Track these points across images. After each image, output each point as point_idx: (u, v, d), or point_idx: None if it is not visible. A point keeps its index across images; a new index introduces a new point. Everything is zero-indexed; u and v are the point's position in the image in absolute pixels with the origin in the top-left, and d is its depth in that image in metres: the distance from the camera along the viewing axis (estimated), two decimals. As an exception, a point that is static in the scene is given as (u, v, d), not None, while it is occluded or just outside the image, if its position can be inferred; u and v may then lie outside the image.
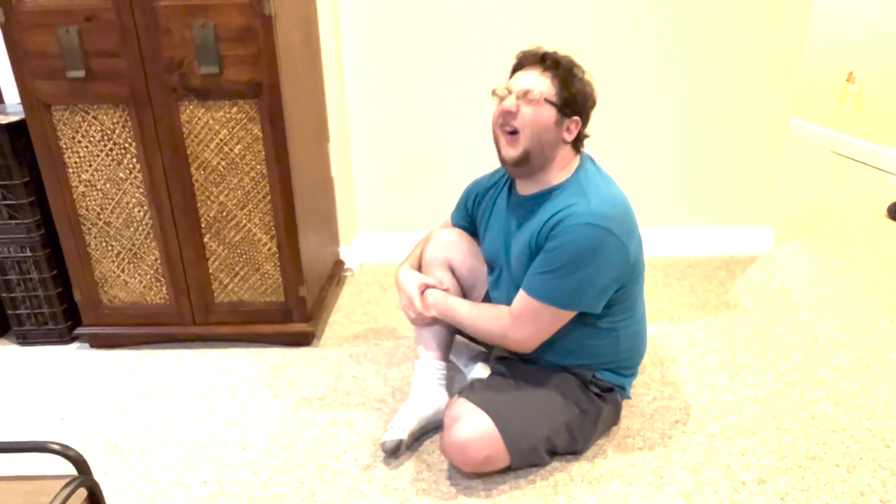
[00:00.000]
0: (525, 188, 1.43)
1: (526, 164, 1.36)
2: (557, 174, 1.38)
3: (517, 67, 1.38)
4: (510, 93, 1.34)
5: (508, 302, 1.43)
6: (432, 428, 1.55)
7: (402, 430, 1.47)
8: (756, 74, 2.29)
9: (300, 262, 1.85)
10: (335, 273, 2.29)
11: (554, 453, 1.44)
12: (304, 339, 1.95)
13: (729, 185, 2.44)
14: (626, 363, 1.48)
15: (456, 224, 1.68)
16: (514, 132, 1.34)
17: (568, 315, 1.36)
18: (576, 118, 1.35)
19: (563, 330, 1.40)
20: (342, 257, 2.44)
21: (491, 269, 1.57)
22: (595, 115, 1.43)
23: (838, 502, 1.32)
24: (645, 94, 2.31)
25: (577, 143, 1.39)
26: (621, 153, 2.39)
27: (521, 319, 1.37)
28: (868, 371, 1.76)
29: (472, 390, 1.44)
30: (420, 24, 2.23)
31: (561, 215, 1.31)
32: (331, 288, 2.18)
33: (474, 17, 2.22)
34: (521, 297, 1.37)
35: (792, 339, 1.94)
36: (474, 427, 1.33)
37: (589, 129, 1.42)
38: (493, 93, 1.38)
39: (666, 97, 2.32)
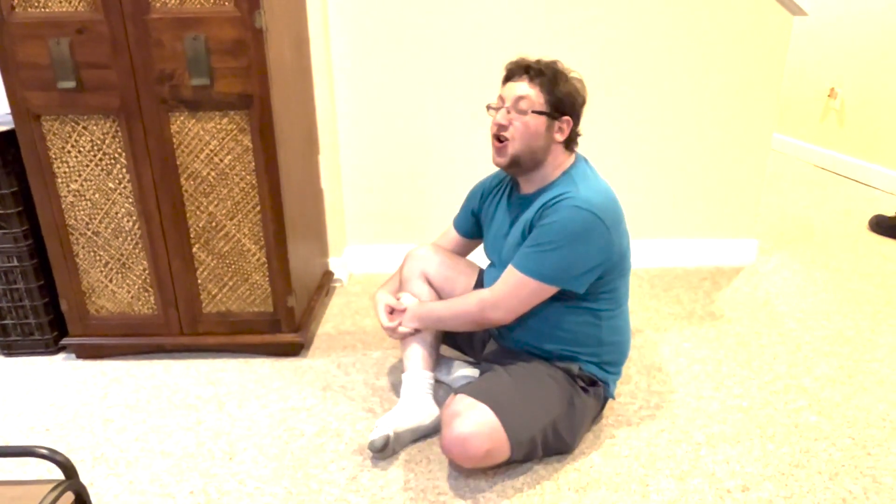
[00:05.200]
0: (525, 188, 1.51)
1: (517, 166, 1.45)
2: (552, 172, 1.46)
3: (506, 78, 1.45)
4: (503, 105, 1.43)
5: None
6: (420, 436, 1.56)
7: (388, 428, 1.48)
8: (739, 90, 2.33)
9: (289, 272, 1.86)
10: (324, 284, 2.29)
11: (548, 448, 1.46)
12: (292, 350, 1.95)
13: (714, 197, 2.48)
14: (608, 357, 1.52)
15: (458, 227, 1.73)
16: (503, 140, 1.43)
17: (548, 290, 1.41)
18: (566, 118, 1.42)
19: (545, 312, 1.45)
20: (331, 268, 2.45)
21: (492, 266, 1.62)
22: (582, 128, 1.47)
23: (821, 509, 1.34)
24: (629, 108, 2.35)
25: (570, 142, 1.46)
26: (608, 166, 2.42)
27: (504, 290, 1.43)
28: (850, 380, 1.79)
29: (470, 386, 1.45)
30: (410, 38, 2.26)
31: (557, 198, 1.39)
32: (319, 298, 2.18)
33: (464, 31, 2.25)
34: (507, 269, 1.43)
35: (776, 348, 1.96)
36: (476, 420, 1.34)
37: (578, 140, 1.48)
38: (489, 107, 1.46)
39: (650, 111, 2.36)
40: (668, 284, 2.41)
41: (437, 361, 1.67)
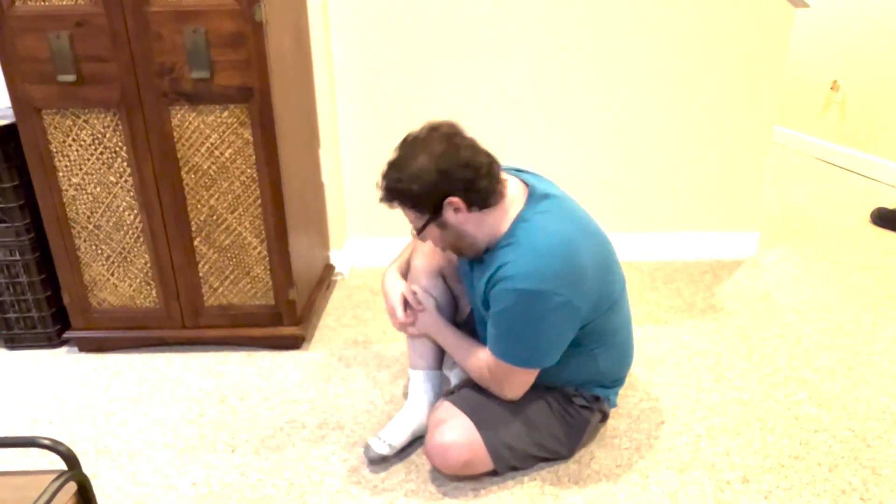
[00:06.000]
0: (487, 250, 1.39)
1: (467, 255, 1.36)
2: (496, 230, 1.30)
3: None
4: None
5: (481, 321, 1.46)
6: (423, 434, 1.56)
7: (390, 446, 1.47)
8: (740, 82, 2.33)
9: (290, 265, 1.86)
10: (325, 277, 2.30)
11: (538, 460, 1.45)
12: (293, 343, 1.95)
13: (715, 190, 2.48)
14: (609, 378, 1.47)
15: None
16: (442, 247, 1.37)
17: (536, 370, 1.34)
18: (447, 201, 1.24)
19: None
20: (332, 261, 2.45)
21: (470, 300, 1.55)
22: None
23: (820, 500, 1.35)
24: (631, 101, 2.35)
25: (480, 202, 1.26)
26: (609, 160, 2.42)
27: (496, 377, 1.36)
28: (850, 372, 1.79)
29: (458, 394, 1.44)
30: (410, 29, 2.25)
31: (498, 275, 1.26)
32: (321, 292, 2.19)
33: (464, 23, 2.25)
34: (489, 355, 1.35)
35: (776, 341, 1.96)
36: (457, 431, 1.34)
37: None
38: None
39: (651, 104, 2.35)
40: (669, 277, 2.41)
41: (444, 357, 1.60)
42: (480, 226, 1.29)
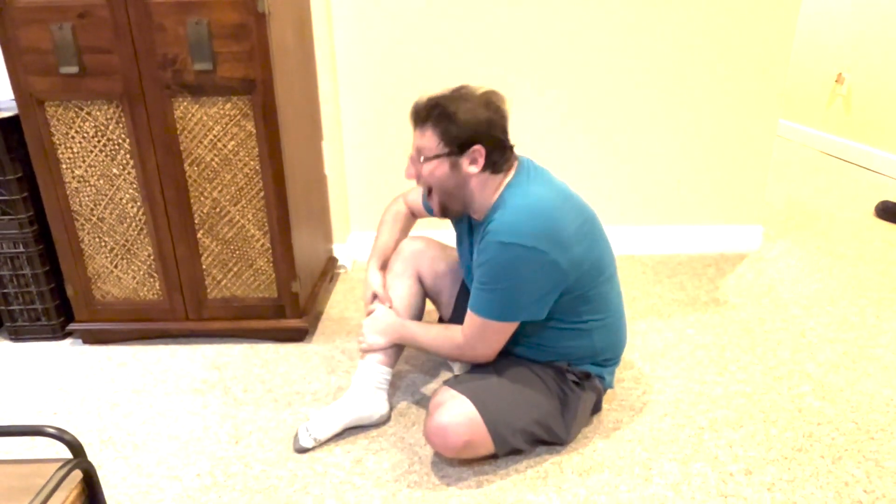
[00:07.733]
0: (476, 216, 1.44)
1: (448, 211, 1.42)
2: (489, 198, 1.38)
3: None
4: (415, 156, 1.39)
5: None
6: (360, 427, 1.57)
7: (315, 440, 1.50)
8: (745, 75, 2.32)
9: (293, 258, 1.86)
10: (328, 270, 2.30)
11: (537, 442, 1.46)
12: (296, 335, 1.96)
13: (719, 184, 2.47)
14: (602, 357, 1.49)
15: (428, 209, 1.65)
16: (430, 190, 1.40)
17: (510, 325, 1.38)
18: (475, 147, 1.32)
19: (534, 329, 1.43)
20: (335, 254, 2.45)
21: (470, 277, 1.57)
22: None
23: (824, 493, 1.35)
24: (634, 93, 2.34)
25: (494, 165, 1.35)
26: (612, 153, 2.41)
27: (470, 334, 1.41)
28: (854, 366, 1.79)
29: (456, 378, 1.47)
30: (413, 22, 2.25)
31: (484, 233, 1.34)
32: (324, 284, 2.19)
33: (468, 15, 2.24)
34: (468, 312, 1.41)
35: (780, 334, 1.96)
36: (456, 412, 1.36)
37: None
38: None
39: (655, 97, 2.34)
40: (673, 271, 2.41)
41: (398, 358, 1.62)
42: (482, 188, 1.37)
